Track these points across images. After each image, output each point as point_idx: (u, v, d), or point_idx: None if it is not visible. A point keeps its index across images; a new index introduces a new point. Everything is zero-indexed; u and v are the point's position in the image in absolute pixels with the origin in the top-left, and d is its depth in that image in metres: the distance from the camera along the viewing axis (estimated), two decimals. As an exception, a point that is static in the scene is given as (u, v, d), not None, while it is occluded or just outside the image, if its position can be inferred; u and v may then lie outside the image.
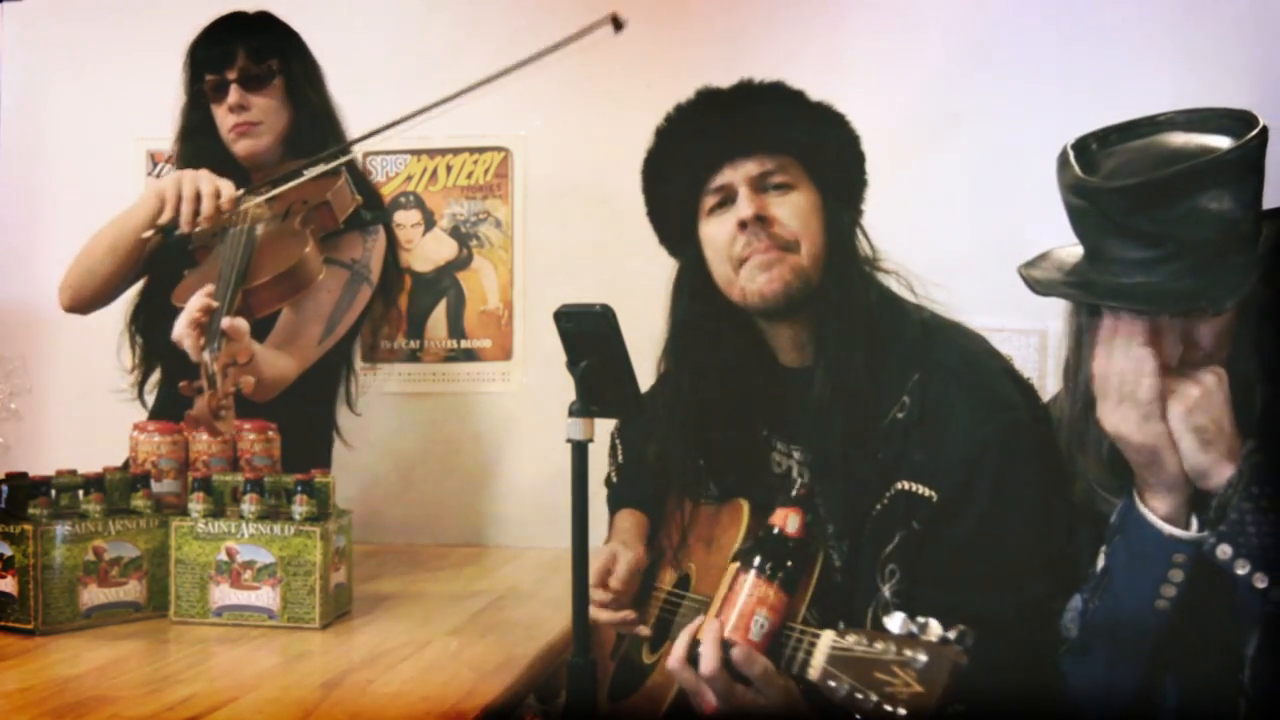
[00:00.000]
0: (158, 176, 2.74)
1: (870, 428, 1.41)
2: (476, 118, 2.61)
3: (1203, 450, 1.18)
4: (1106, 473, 1.28)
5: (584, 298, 1.24)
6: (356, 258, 2.11)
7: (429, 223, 2.66)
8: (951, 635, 1.09)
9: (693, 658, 1.26)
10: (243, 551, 1.71)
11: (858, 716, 1.10)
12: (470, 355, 2.64)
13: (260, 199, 2.00)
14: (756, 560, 1.30)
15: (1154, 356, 1.21)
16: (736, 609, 1.27)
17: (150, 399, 2.22)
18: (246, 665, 1.54)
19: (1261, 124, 1.19)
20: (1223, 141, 1.19)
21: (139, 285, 2.19)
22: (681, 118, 1.54)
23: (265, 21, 2.17)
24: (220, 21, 2.14)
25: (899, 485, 1.39)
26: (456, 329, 2.65)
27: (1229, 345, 1.24)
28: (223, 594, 1.72)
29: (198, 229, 1.94)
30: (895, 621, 1.13)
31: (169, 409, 2.04)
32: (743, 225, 1.44)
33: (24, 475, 1.74)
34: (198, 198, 1.93)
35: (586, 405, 1.22)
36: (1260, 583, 1.16)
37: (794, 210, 1.46)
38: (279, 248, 1.90)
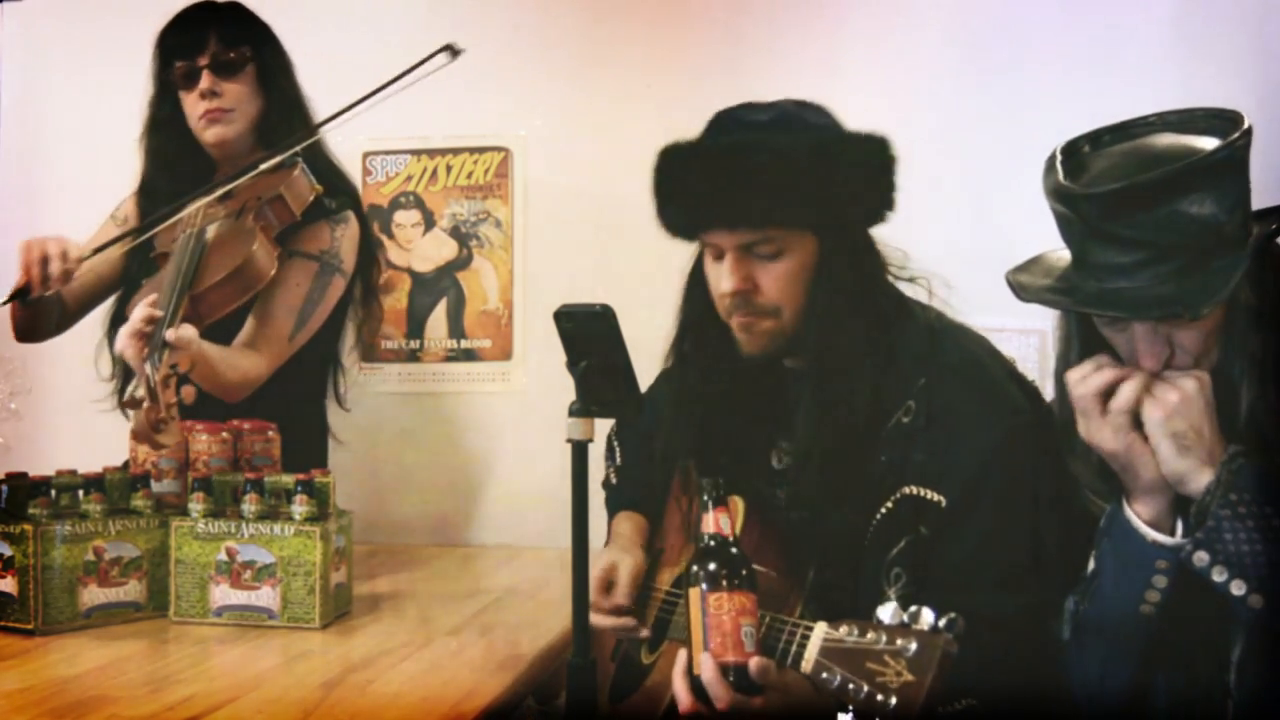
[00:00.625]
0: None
1: (872, 431, 1.41)
2: (476, 118, 2.62)
3: (1180, 456, 1.18)
4: (1096, 477, 1.29)
5: (584, 298, 1.24)
6: (325, 248, 2.09)
7: (429, 223, 2.66)
8: (942, 623, 1.09)
9: (699, 693, 1.23)
10: (243, 551, 1.71)
11: (850, 707, 1.11)
12: (470, 355, 2.64)
13: (211, 198, 1.98)
14: (712, 572, 1.24)
15: (1125, 369, 1.21)
16: (720, 630, 1.23)
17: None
18: (246, 665, 1.54)
19: (1246, 125, 1.18)
20: (1210, 142, 1.19)
21: (115, 295, 2.20)
22: (679, 161, 1.48)
23: (236, 10, 2.15)
24: (190, 9, 2.12)
25: (905, 490, 1.39)
26: (456, 329, 2.65)
27: (1215, 348, 1.23)
28: (223, 594, 1.72)
29: (48, 291, 1.96)
30: (887, 611, 1.14)
31: None
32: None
33: (24, 475, 1.74)
34: (45, 260, 1.93)
35: (586, 405, 1.22)
36: (1238, 589, 1.15)
37: (777, 278, 1.44)
38: (227, 248, 1.88)
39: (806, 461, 1.47)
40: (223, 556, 1.71)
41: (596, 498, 1.41)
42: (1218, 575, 1.16)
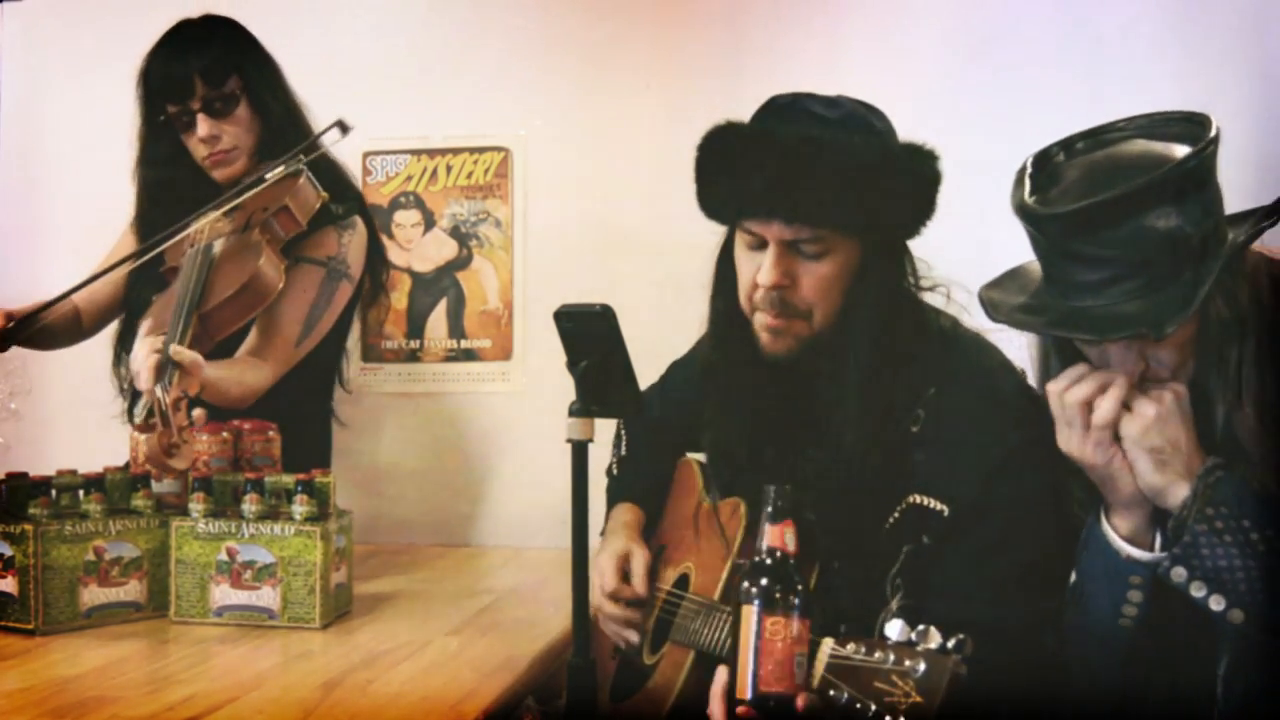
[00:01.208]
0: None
1: (885, 439, 1.41)
2: (476, 118, 2.62)
3: (1158, 471, 1.17)
4: (1080, 488, 1.28)
5: (584, 298, 1.24)
6: (332, 254, 2.08)
7: (429, 223, 2.66)
8: (950, 644, 1.09)
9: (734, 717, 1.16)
10: (243, 551, 1.71)
11: None
12: (470, 355, 2.64)
13: (217, 214, 1.96)
14: (771, 592, 1.16)
15: (1106, 377, 1.20)
16: (773, 658, 1.15)
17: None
18: (246, 665, 1.54)
19: (1213, 132, 1.15)
20: (1181, 149, 1.16)
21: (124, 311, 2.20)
22: (737, 142, 1.43)
23: (213, 30, 2.09)
24: (167, 40, 2.07)
25: (911, 499, 1.39)
26: (456, 329, 2.64)
27: (1191, 359, 1.22)
28: (223, 594, 1.72)
29: None
30: (895, 629, 1.13)
31: None
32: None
33: (24, 475, 1.74)
34: None
35: (586, 405, 1.22)
36: (1217, 605, 1.15)
37: (819, 280, 1.41)
38: (234, 264, 1.87)
39: (823, 467, 1.46)
40: (223, 556, 1.71)
41: (596, 498, 1.40)
42: (1196, 591, 1.15)
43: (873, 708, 1.09)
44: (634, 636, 1.59)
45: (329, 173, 2.12)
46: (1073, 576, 1.28)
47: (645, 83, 2.49)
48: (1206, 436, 1.20)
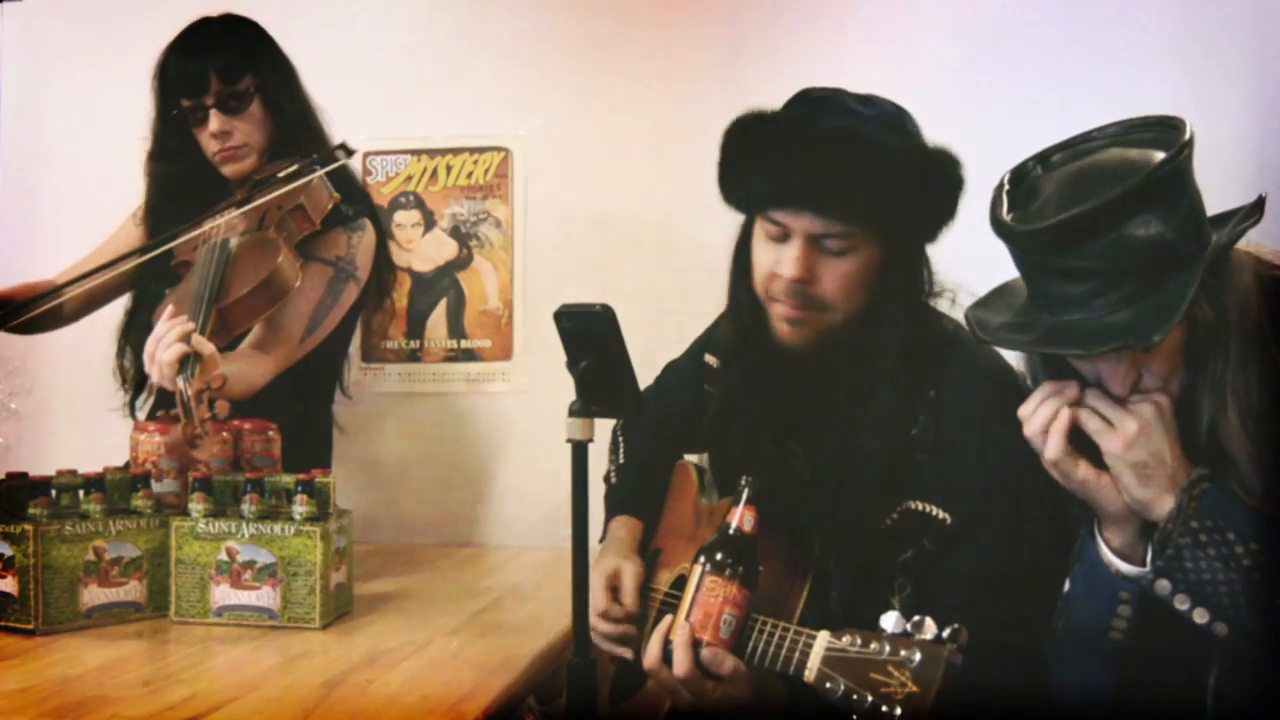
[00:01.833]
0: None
1: (887, 442, 1.41)
2: (477, 118, 2.62)
3: (1142, 485, 1.17)
4: (1075, 501, 1.28)
5: (584, 297, 1.24)
6: (341, 254, 2.10)
7: (429, 223, 2.66)
8: (945, 634, 1.09)
9: (666, 657, 1.29)
10: (243, 551, 1.71)
11: (854, 717, 1.10)
12: (470, 355, 2.64)
13: (235, 213, 1.98)
14: (720, 559, 1.32)
15: (1064, 391, 1.20)
16: (705, 609, 1.31)
17: (141, 415, 2.21)
18: (247, 665, 1.54)
19: (1188, 135, 1.14)
20: (1157, 155, 1.14)
21: (125, 305, 2.20)
22: (768, 131, 1.42)
23: (233, 29, 2.12)
24: (187, 36, 2.09)
25: (910, 504, 1.39)
26: (456, 329, 2.65)
27: (1182, 366, 1.20)
28: (223, 594, 1.72)
29: None
30: (890, 620, 1.13)
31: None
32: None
33: (24, 475, 1.74)
34: None
35: (586, 405, 1.22)
36: (1201, 618, 1.14)
37: (841, 276, 1.40)
38: (253, 260, 1.90)
39: (827, 467, 1.46)
40: (223, 556, 1.71)
41: (596, 498, 1.41)
42: (1180, 604, 1.15)
43: (869, 699, 1.09)
44: (627, 653, 1.57)
45: (340, 174, 2.14)
46: (1066, 585, 1.28)
47: (645, 83, 2.49)
48: (1194, 444, 1.19)
